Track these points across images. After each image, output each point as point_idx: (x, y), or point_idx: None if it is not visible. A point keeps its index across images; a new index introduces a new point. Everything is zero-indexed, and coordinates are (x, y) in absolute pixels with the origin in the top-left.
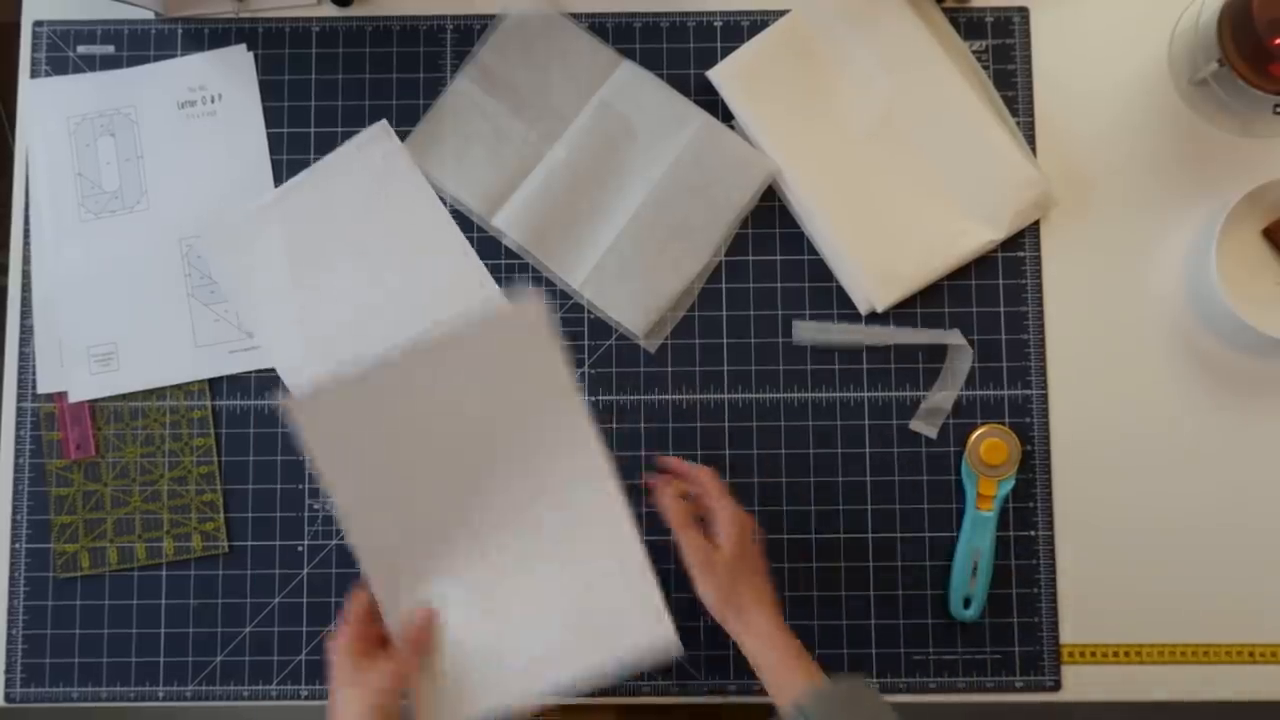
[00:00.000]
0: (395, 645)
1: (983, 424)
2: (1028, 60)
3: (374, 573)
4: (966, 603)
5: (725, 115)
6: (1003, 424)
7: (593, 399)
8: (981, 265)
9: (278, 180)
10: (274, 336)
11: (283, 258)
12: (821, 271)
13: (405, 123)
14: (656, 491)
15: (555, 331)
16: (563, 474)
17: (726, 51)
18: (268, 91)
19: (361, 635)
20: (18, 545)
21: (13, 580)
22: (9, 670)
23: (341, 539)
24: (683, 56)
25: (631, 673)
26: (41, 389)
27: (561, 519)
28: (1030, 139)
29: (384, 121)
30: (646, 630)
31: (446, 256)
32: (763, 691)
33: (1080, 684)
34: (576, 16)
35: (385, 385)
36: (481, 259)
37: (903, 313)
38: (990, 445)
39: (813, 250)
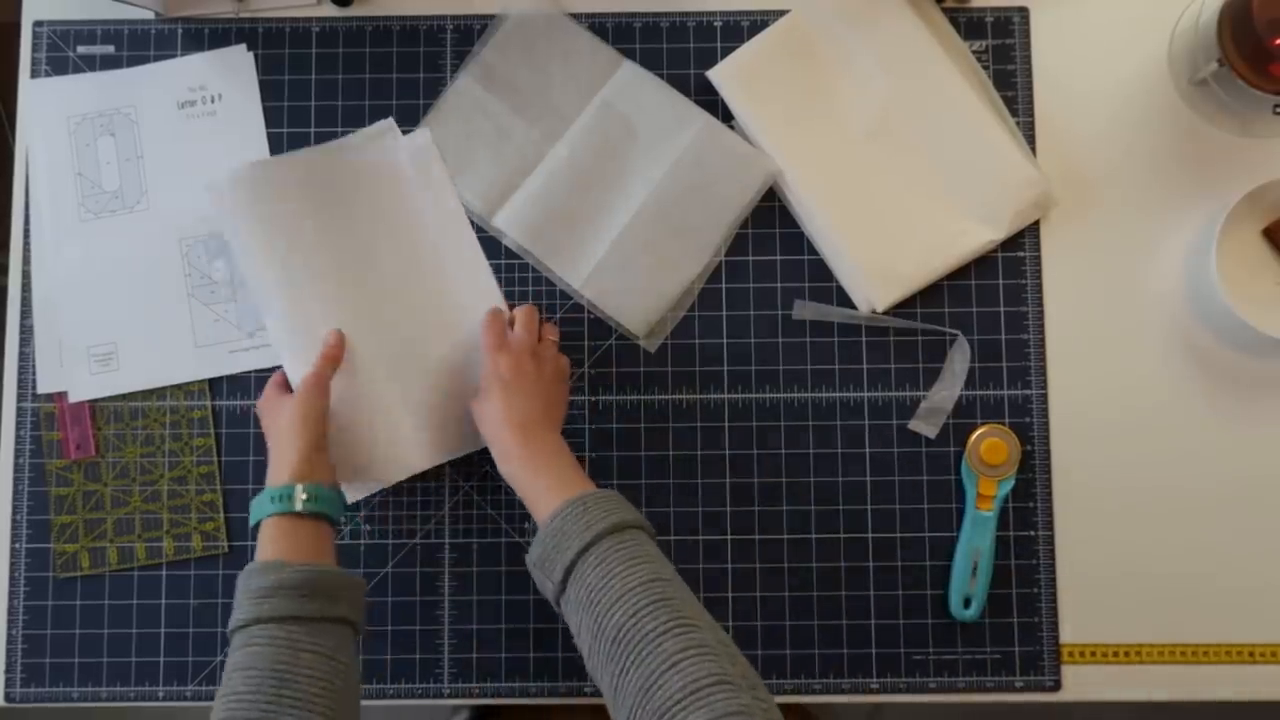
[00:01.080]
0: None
1: (983, 424)
2: (1028, 60)
3: (288, 349)
4: (966, 603)
5: (725, 115)
6: (1003, 424)
7: (593, 399)
8: (981, 265)
9: None
10: (269, 299)
11: (294, 219)
12: (821, 272)
13: (405, 123)
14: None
15: (439, 158)
16: (446, 279)
17: (726, 51)
18: (268, 91)
19: (284, 386)
20: (18, 545)
21: (13, 580)
22: (9, 670)
23: (340, 539)
24: (683, 56)
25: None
26: (41, 389)
27: (441, 314)
28: (1030, 139)
29: (390, 119)
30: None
31: (455, 255)
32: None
33: (1080, 684)
34: (576, 16)
35: (277, 177)
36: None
37: (903, 312)
38: (990, 445)
39: (813, 250)
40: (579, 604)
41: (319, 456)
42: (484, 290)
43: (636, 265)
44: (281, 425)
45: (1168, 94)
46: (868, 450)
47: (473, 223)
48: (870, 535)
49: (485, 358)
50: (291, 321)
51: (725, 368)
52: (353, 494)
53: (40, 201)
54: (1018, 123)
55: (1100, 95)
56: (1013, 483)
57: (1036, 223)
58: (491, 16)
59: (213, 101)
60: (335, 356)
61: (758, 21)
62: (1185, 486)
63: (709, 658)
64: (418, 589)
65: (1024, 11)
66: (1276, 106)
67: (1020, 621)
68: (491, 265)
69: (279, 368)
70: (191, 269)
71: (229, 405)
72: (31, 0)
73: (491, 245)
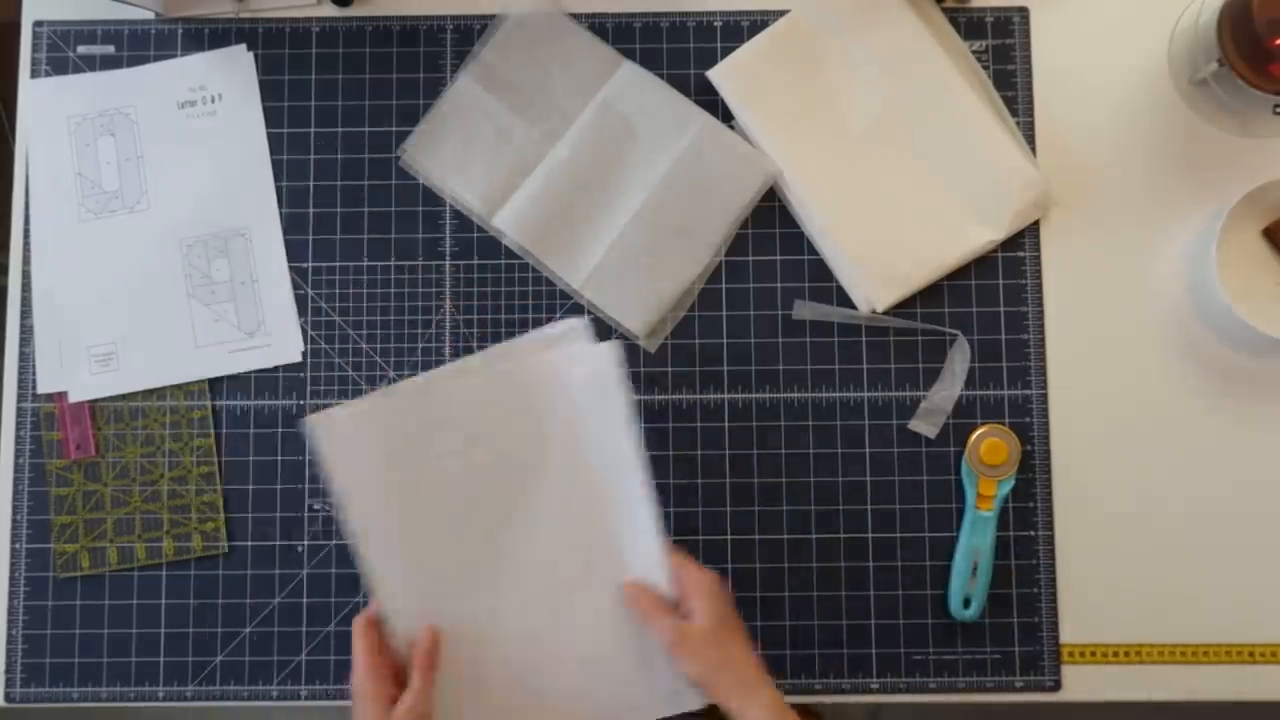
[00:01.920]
0: (410, 673)
1: (983, 424)
2: (1028, 60)
3: (387, 600)
4: (966, 603)
5: (725, 115)
6: (1003, 424)
7: None
8: (981, 265)
9: (278, 179)
10: (382, 564)
11: (409, 475)
12: (822, 272)
13: (405, 123)
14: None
15: (623, 381)
16: (606, 524)
17: (726, 51)
18: (268, 91)
19: (375, 672)
20: (18, 545)
21: (13, 580)
22: (9, 670)
23: (341, 540)
24: (683, 56)
25: None
26: (41, 389)
27: (597, 567)
28: (1030, 139)
29: (586, 319)
30: (676, 688)
31: (618, 506)
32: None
33: (1080, 684)
34: (576, 16)
35: (417, 412)
36: (481, 259)
37: (903, 312)
38: (990, 445)
39: (813, 250)
40: None
41: None
42: (644, 552)
43: (636, 265)
44: None
45: (1168, 94)
46: (868, 450)
47: (474, 224)
48: (870, 535)
49: (678, 664)
50: (402, 596)
51: (725, 368)
52: None
53: (40, 201)
54: (1018, 123)
55: (1100, 95)
56: (1013, 483)
57: (1036, 223)
58: (492, 16)
59: (213, 101)
60: (432, 665)
61: (758, 21)
62: (1185, 486)
63: None
64: None
65: (1024, 11)
66: (1276, 106)
67: (1020, 621)
68: (491, 265)
69: (368, 606)
70: (191, 269)
71: (229, 405)
72: (31, 0)
73: (491, 245)
